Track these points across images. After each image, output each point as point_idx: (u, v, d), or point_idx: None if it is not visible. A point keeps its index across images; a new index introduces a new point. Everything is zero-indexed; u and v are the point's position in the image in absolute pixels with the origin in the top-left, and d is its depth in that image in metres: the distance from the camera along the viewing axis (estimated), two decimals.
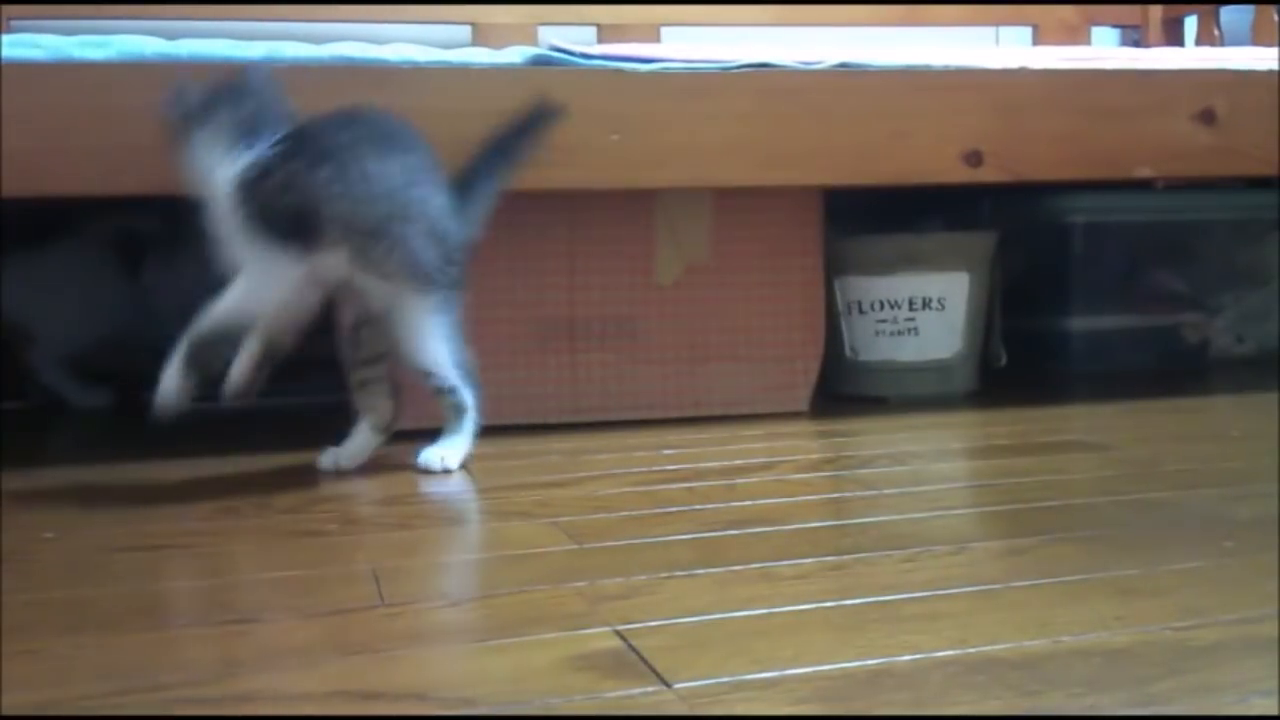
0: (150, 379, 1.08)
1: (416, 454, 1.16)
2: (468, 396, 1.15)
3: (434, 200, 1.10)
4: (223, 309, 1.06)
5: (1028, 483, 1.03)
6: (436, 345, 1.12)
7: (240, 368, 1.11)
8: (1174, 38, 2.33)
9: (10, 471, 1.19)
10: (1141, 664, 0.60)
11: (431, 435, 1.20)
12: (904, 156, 1.38)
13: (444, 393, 1.14)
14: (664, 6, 2.13)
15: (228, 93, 1.07)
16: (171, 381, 1.07)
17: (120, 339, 1.63)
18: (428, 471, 1.14)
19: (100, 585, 0.81)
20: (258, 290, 1.07)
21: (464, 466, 1.16)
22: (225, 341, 1.07)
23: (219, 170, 1.06)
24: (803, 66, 1.38)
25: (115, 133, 1.14)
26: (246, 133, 1.06)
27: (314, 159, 1.06)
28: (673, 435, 1.33)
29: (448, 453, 1.15)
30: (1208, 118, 1.45)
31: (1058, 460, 1.14)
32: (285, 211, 1.06)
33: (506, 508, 1.00)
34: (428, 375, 1.13)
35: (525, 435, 1.35)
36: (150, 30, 1.41)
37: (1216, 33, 2.25)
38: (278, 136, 1.07)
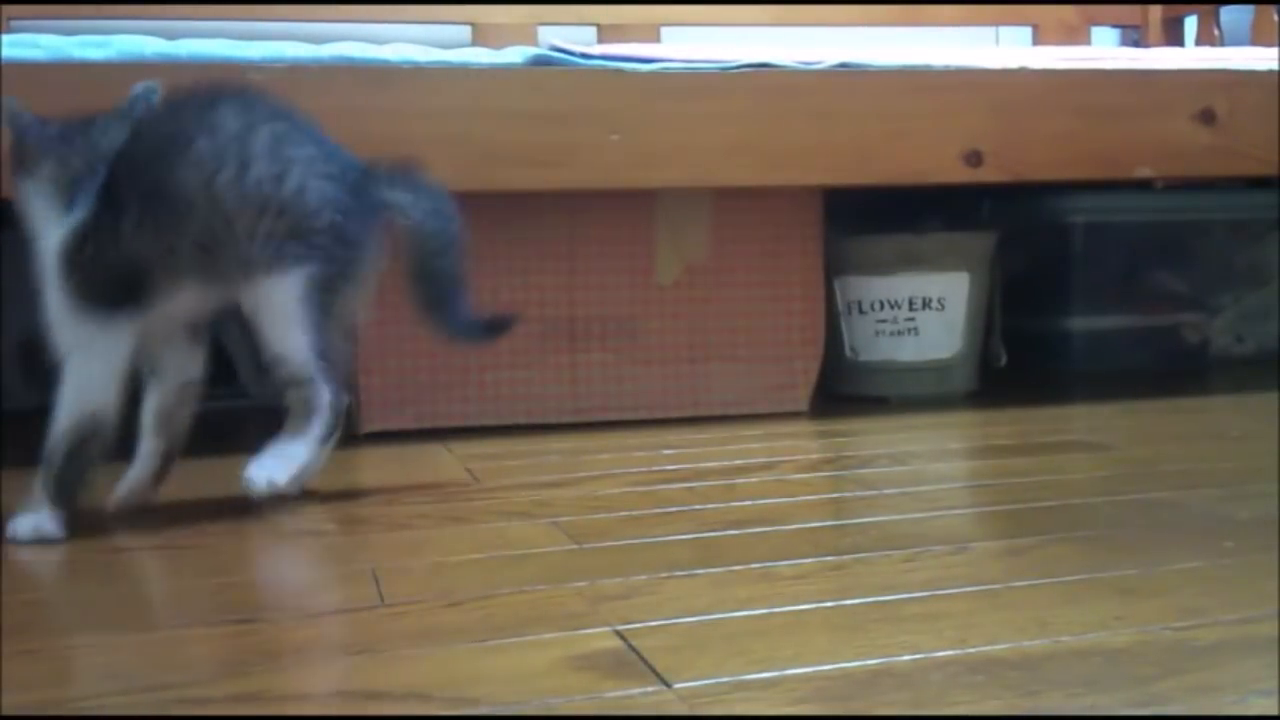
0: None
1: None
2: (324, 394, 0.99)
3: (275, 173, 0.96)
4: (66, 417, 0.93)
5: (1027, 483, 1.03)
6: (294, 330, 0.98)
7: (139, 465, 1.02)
8: (1174, 38, 2.33)
9: (10, 471, 1.19)
10: (1141, 664, 0.60)
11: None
12: (904, 156, 1.38)
13: (293, 386, 0.98)
14: (664, 6, 2.13)
15: (60, 139, 0.95)
16: (40, 522, 0.93)
17: None
18: (251, 491, 0.96)
19: (100, 585, 0.81)
20: (97, 372, 0.94)
21: (306, 487, 1.00)
22: (86, 453, 0.94)
23: (44, 233, 0.95)
24: (802, 66, 1.38)
25: None
26: (71, 189, 0.95)
27: (124, 202, 0.94)
28: (673, 435, 1.33)
29: (277, 467, 0.97)
30: (1208, 118, 1.45)
31: (1058, 460, 1.14)
32: (108, 278, 0.95)
33: (506, 508, 1.00)
34: (279, 363, 0.98)
35: (525, 435, 1.35)
36: (150, 30, 1.41)
37: (1216, 33, 2.25)
38: (98, 186, 0.95)
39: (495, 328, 1.10)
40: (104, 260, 0.95)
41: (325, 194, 0.98)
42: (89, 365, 0.94)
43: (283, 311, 0.98)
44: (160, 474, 1.03)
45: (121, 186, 0.95)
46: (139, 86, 1.00)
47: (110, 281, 0.95)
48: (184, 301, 0.99)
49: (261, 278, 0.97)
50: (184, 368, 1.03)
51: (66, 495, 0.93)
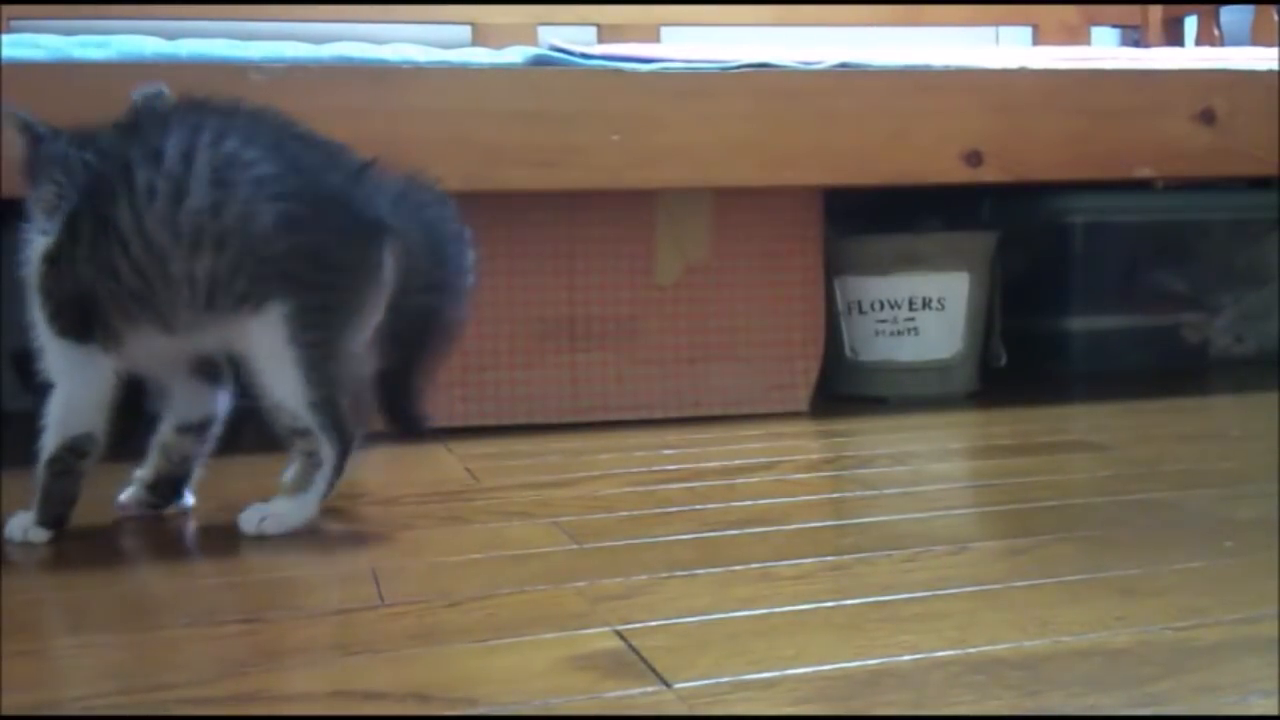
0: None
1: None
2: (326, 448, 0.91)
3: (213, 201, 0.86)
4: (53, 439, 0.91)
5: (1028, 483, 1.03)
6: (286, 376, 0.89)
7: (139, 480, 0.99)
8: (1174, 38, 2.33)
9: (10, 471, 1.19)
10: (1142, 664, 0.60)
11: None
12: (904, 156, 1.38)
13: (292, 436, 0.92)
14: (664, 6, 2.13)
15: (60, 157, 0.89)
16: (29, 524, 0.91)
17: None
18: (243, 533, 0.92)
19: (100, 585, 0.81)
20: (82, 398, 0.91)
21: (307, 529, 0.93)
22: (75, 473, 0.91)
23: (30, 246, 0.91)
24: (803, 66, 1.38)
25: None
26: (53, 208, 0.89)
27: (80, 230, 0.88)
28: (673, 435, 1.33)
29: (274, 514, 0.92)
30: (1208, 118, 1.45)
31: (1058, 460, 1.14)
32: (73, 306, 0.89)
33: (506, 508, 1.00)
34: (277, 411, 0.91)
35: (525, 435, 1.35)
36: (150, 30, 1.41)
37: (1216, 33, 2.25)
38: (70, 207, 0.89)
39: (419, 427, 0.98)
40: (64, 290, 0.89)
41: (280, 216, 0.87)
42: (74, 390, 0.91)
43: (270, 356, 0.89)
44: (153, 503, 0.99)
45: (82, 211, 0.89)
46: (139, 94, 0.93)
47: (72, 313, 0.90)
48: (154, 345, 0.92)
49: (235, 321, 0.89)
50: (188, 407, 0.97)
51: (55, 514, 0.92)
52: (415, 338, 0.95)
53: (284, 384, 0.89)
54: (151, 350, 0.92)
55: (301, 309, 0.88)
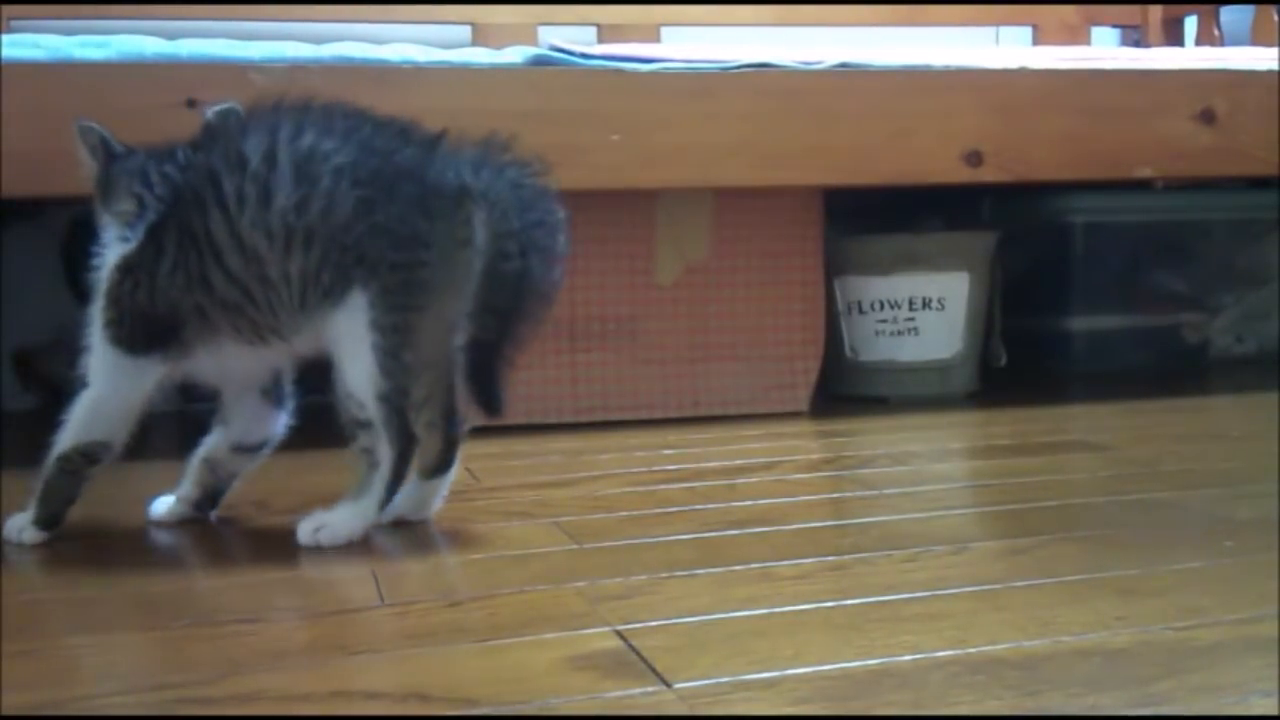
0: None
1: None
2: (386, 448, 0.89)
3: (300, 198, 0.86)
4: (71, 438, 0.90)
5: (1028, 483, 1.03)
6: (360, 362, 0.87)
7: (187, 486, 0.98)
8: (1174, 38, 2.33)
9: (10, 471, 1.19)
10: (1142, 664, 0.60)
11: None
12: (904, 156, 1.38)
13: (360, 430, 0.90)
14: (664, 6, 2.13)
15: (138, 174, 0.90)
16: (24, 525, 0.92)
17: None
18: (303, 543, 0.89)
19: (100, 585, 0.81)
20: (113, 405, 0.90)
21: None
22: (83, 476, 0.91)
23: (106, 253, 0.91)
24: (803, 66, 1.38)
25: (115, 133, 1.14)
26: (131, 223, 0.90)
27: (164, 244, 0.89)
28: (673, 435, 1.33)
29: (330, 523, 0.89)
30: (1208, 118, 1.45)
31: (1058, 460, 1.14)
32: (138, 322, 0.89)
33: (506, 508, 1.00)
34: (346, 401, 0.89)
35: (525, 435, 1.35)
36: (150, 30, 1.41)
37: (1216, 33, 2.25)
38: (150, 221, 0.90)
39: (499, 408, 0.94)
40: (135, 302, 0.89)
41: (358, 202, 0.86)
42: (106, 396, 0.90)
43: (350, 342, 0.87)
44: (192, 518, 0.98)
45: (166, 223, 0.89)
46: (211, 111, 0.92)
47: (140, 326, 0.89)
48: (235, 359, 0.92)
49: (323, 318, 0.88)
50: (249, 429, 0.96)
51: (52, 512, 0.92)
52: (512, 305, 0.90)
53: (358, 371, 0.88)
54: (229, 365, 0.92)
55: (382, 291, 0.87)
